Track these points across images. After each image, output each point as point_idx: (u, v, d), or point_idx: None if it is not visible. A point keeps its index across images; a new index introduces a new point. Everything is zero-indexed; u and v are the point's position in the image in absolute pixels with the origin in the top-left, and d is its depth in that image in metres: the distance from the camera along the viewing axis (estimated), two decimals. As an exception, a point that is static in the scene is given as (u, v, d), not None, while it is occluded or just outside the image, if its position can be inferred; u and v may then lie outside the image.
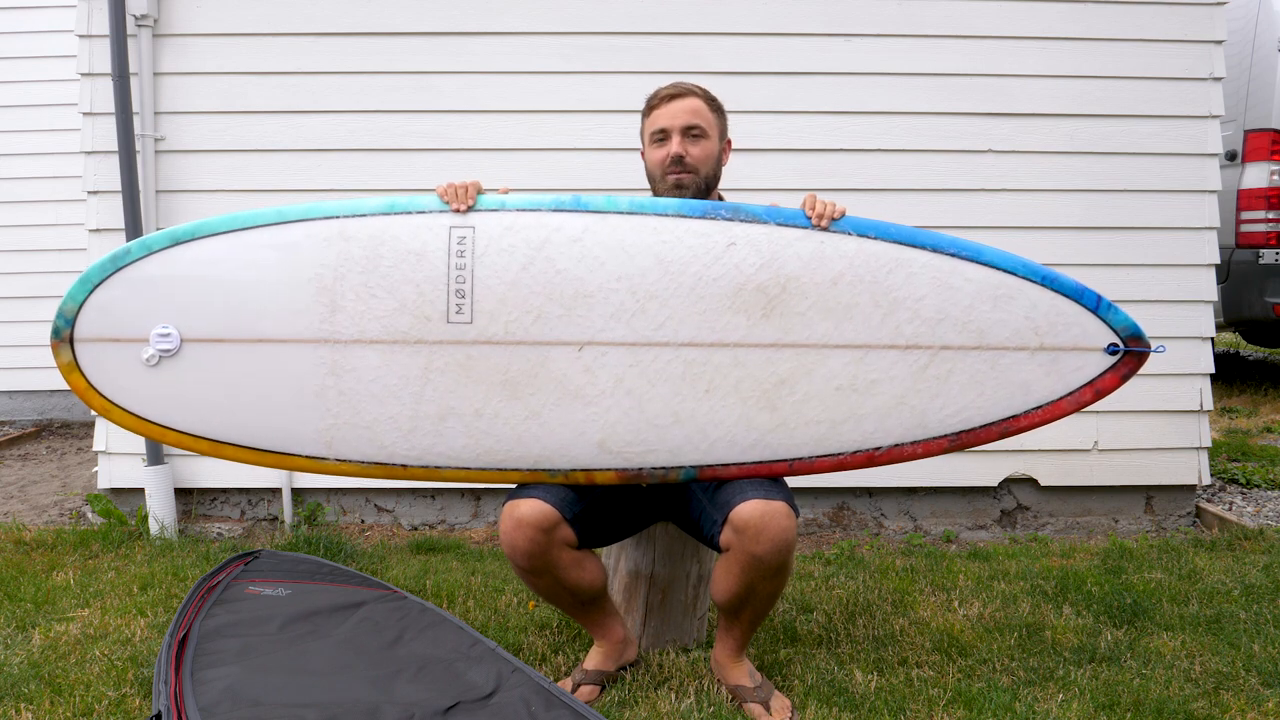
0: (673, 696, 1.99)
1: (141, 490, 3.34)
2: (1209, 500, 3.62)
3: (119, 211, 3.26)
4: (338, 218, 1.88)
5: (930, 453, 1.68)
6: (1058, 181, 3.40)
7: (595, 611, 2.06)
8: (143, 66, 3.28)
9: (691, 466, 1.70)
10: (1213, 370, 3.43)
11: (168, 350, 1.87)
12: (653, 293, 1.77)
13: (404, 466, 1.71)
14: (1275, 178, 5.17)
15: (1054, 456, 3.44)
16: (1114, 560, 2.95)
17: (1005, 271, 1.78)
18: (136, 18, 3.24)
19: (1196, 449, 3.45)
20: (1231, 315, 5.38)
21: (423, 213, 1.86)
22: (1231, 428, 4.89)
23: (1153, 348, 1.71)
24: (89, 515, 3.55)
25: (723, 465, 1.72)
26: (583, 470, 1.72)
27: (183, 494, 3.43)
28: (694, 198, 1.99)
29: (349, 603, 2.26)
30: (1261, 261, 5.19)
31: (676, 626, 2.28)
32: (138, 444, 3.33)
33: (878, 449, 1.65)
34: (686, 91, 2.05)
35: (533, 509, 1.85)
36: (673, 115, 2.02)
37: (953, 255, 1.79)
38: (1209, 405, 3.44)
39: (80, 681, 2.04)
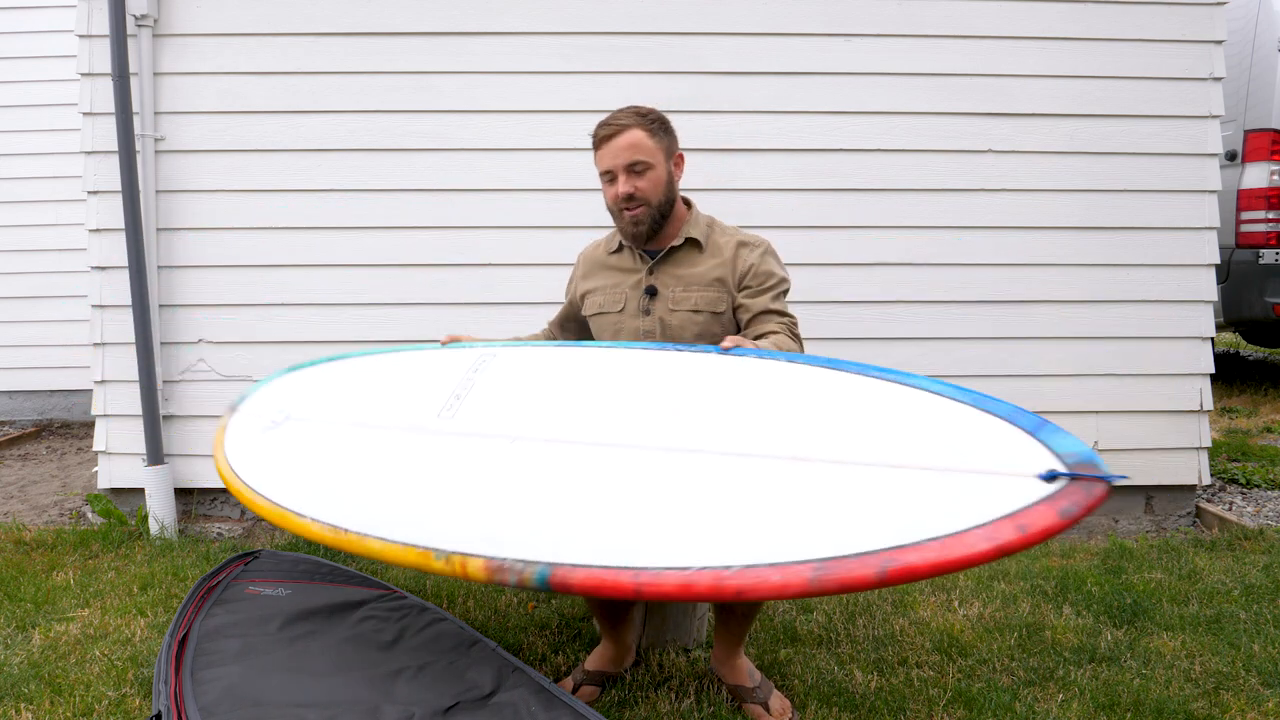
0: (673, 696, 1.99)
1: (141, 490, 3.34)
2: (1209, 500, 3.62)
3: (119, 211, 3.27)
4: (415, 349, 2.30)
5: (789, 583, 1.31)
6: (1057, 181, 3.40)
7: (622, 616, 2.08)
8: (143, 66, 3.28)
9: (546, 564, 1.48)
10: (1213, 370, 3.43)
11: (276, 422, 2.20)
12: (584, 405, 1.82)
13: (345, 531, 1.79)
14: (1275, 178, 5.17)
15: (1054, 456, 3.43)
16: (1114, 560, 2.95)
17: (918, 389, 1.53)
18: (136, 18, 3.25)
19: (1196, 449, 3.45)
20: (1231, 315, 5.38)
21: (471, 347, 2.17)
22: (1231, 428, 4.89)
23: (1110, 476, 1.23)
24: (89, 515, 3.55)
25: (571, 567, 1.48)
26: (460, 554, 1.58)
27: (183, 494, 3.43)
28: (650, 226, 2.04)
29: (349, 602, 2.27)
30: (1261, 261, 5.19)
31: (676, 626, 2.28)
32: (138, 444, 3.33)
33: (727, 568, 1.35)
34: (622, 127, 1.99)
35: None
36: (614, 155, 1.99)
37: (850, 372, 1.62)
38: (1209, 405, 3.43)
39: (80, 681, 2.04)
